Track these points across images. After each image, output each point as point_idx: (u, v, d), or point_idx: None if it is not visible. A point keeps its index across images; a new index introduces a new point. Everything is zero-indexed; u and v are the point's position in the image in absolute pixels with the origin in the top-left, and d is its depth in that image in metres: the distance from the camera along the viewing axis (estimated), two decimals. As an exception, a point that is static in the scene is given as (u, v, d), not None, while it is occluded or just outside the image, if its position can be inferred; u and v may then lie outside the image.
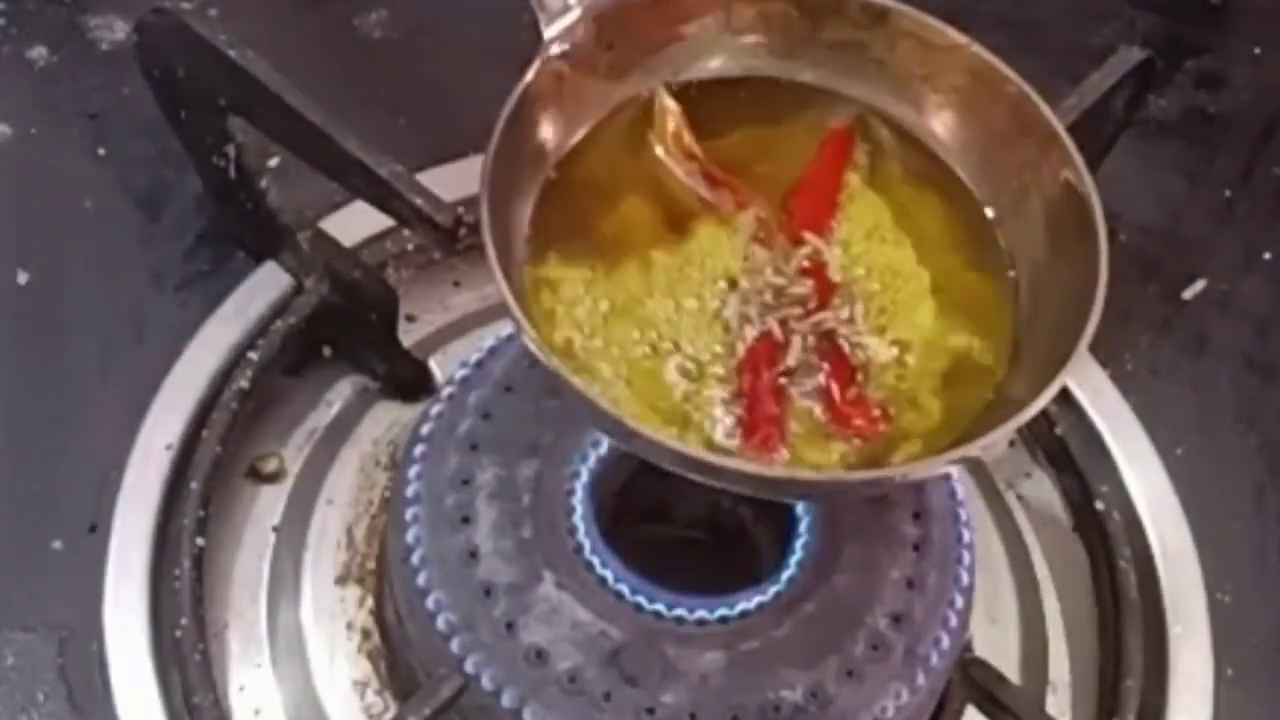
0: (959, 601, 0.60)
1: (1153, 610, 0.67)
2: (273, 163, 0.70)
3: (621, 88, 0.59)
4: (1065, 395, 0.72)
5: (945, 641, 0.59)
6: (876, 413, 0.54)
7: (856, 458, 0.53)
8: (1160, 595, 0.68)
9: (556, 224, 0.56)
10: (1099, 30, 0.85)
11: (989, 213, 0.59)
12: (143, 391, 0.67)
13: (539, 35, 0.55)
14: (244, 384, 0.66)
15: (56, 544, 0.64)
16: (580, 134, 0.58)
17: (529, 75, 0.55)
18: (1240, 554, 0.70)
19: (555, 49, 0.56)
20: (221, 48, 0.63)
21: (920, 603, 0.60)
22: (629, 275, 0.56)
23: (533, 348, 0.50)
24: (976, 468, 0.72)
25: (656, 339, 0.55)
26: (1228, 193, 0.81)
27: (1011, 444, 0.73)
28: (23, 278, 0.71)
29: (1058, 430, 0.70)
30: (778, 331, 0.55)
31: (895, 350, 0.55)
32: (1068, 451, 0.70)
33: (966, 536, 0.62)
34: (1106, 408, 0.72)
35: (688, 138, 0.58)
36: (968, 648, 0.63)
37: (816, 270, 0.57)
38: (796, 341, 0.55)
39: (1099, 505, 0.69)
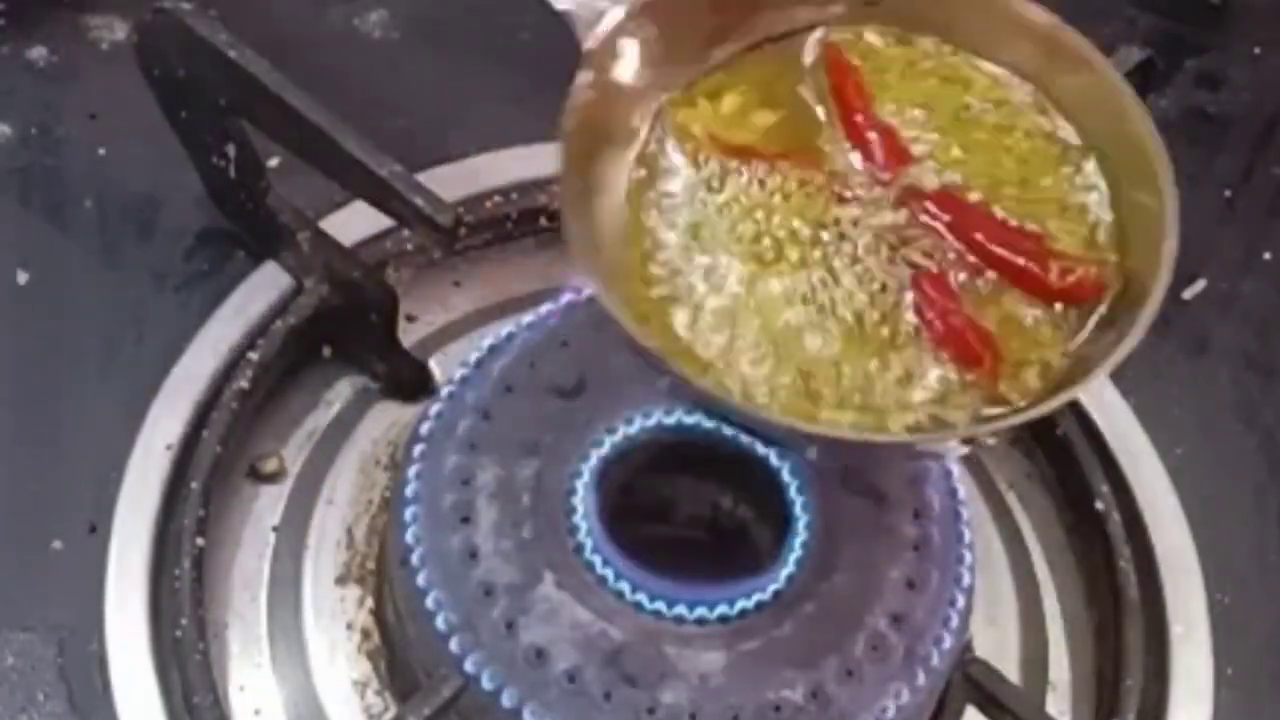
0: (959, 601, 0.60)
1: (1153, 610, 0.67)
2: (273, 163, 0.70)
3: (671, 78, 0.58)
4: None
5: (946, 641, 0.59)
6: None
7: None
8: (1160, 595, 0.68)
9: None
10: (1099, 30, 0.84)
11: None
12: (143, 391, 0.67)
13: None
14: (244, 384, 0.66)
15: (56, 544, 0.64)
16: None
17: (573, 100, 0.55)
18: (1240, 554, 0.70)
19: (597, 56, 0.56)
20: (222, 48, 0.63)
21: (920, 603, 0.60)
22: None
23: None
24: (977, 468, 0.72)
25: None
26: (1228, 193, 0.81)
27: (1012, 445, 0.73)
28: (23, 278, 0.71)
29: (1058, 430, 0.70)
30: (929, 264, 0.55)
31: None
32: (1068, 451, 0.70)
33: (966, 536, 0.62)
34: (1106, 408, 0.72)
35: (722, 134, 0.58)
36: (968, 648, 0.63)
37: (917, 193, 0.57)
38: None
39: (1099, 505, 0.69)
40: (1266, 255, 0.79)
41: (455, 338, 0.73)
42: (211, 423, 0.65)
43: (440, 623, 0.58)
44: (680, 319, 0.54)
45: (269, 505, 0.68)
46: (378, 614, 0.65)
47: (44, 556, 0.64)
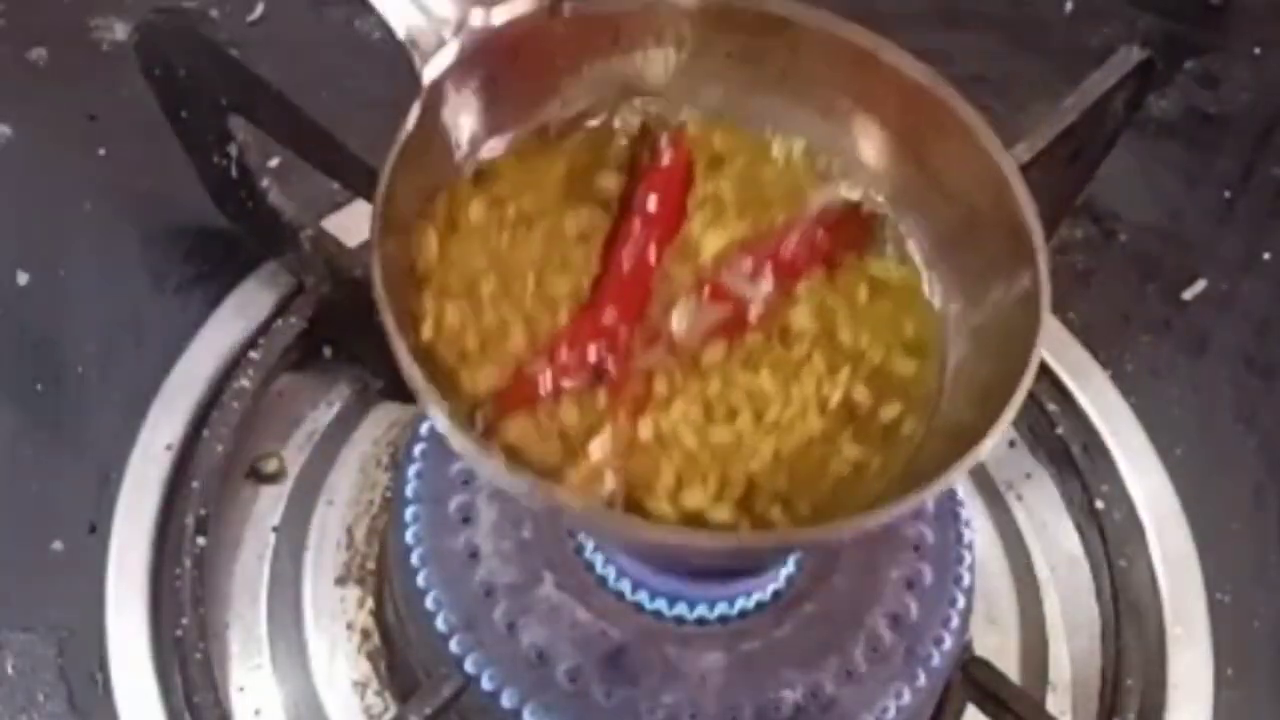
0: (960, 601, 0.60)
1: (1153, 610, 0.67)
2: (274, 162, 0.70)
3: (504, 123, 0.56)
4: (1065, 395, 0.72)
5: (946, 641, 0.59)
6: None
7: None
8: (1160, 595, 0.68)
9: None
10: (1099, 30, 0.85)
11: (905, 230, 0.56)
12: (143, 391, 0.67)
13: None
14: (244, 384, 0.66)
15: (56, 544, 0.64)
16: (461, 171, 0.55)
17: (408, 124, 0.52)
18: (1240, 554, 0.70)
19: (432, 90, 0.53)
20: (223, 47, 0.63)
21: (920, 603, 0.60)
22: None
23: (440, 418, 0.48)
24: (977, 468, 0.72)
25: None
26: (1228, 193, 0.81)
27: (1011, 444, 0.73)
28: (23, 278, 0.71)
29: (1058, 430, 0.70)
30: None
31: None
32: (1068, 452, 0.70)
33: (966, 536, 0.62)
34: (1106, 408, 0.72)
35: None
36: (968, 648, 0.63)
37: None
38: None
39: (1099, 505, 0.69)
40: (1266, 255, 0.79)
41: (455, 338, 0.73)
42: (211, 423, 0.65)
43: (440, 623, 0.58)
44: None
45: (269, 505, 0.68)
46: (378, 614, 0.65)
47: (44, 556, 0.64)
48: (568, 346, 0.52)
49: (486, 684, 0.57)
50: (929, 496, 0.49)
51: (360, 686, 0.64)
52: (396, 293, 0.50)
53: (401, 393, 0.71)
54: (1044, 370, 0.72)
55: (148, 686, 0.61)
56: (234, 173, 0.68)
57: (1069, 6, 0.86)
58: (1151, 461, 0.71)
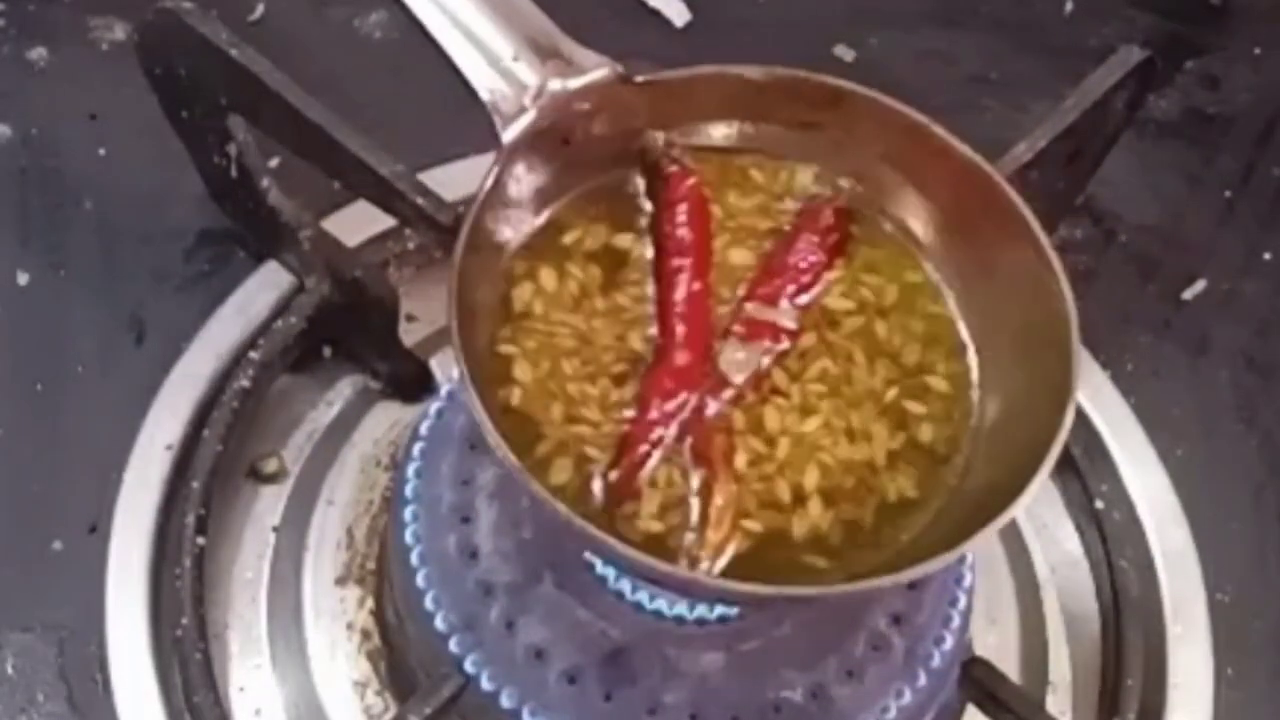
0: (960, 601, 0.60)
1: (1153, 610, 0.67)
2: (274, 162, 0.70)
3: (580, 179, 0.58)
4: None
5: (947, 641, 0.59)
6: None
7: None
8: (1160, 595, 0.68)
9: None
10: (1099, 30, 0.85)
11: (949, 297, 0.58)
12: (143, 391, 0.67)
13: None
14: (244, 384, 0.66)
15: (56, 544, 0.64)
16: (537, 227, 0.57)
17: (487, 182, 0.55)
18: (1240, 554, 0.70)
19: (513, 150, 0.56)
20: (223, 47, 0.63)
21: (921, 602, 0.60)
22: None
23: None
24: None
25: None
26: (1228, 193, 0.81)
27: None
28: (23, 278, 0.71)
29: (1058, 430, 0.70)
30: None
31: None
32: (1068, 452, 0.70)
33: (967, 536, 0.62)
34: (1106, 408, 0.72)
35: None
36: (968, 647, 0.63)
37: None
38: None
39: (1099, 505, 0.69)
40: (1266, 255, 0.79)
41: (455, 338, 0.73)
42: (211, 423, 0.65)
43: (440, 622, 0.58)
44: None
45: (269, 505, 0.68)
46: (378, 614, 0.65)
47: (44, 556, 0.64)
48: (659, 402, 0.53)
49: (486, 684, 0.57)
50: (965, 551, 0.50)
51: (360, 686, 0.64)
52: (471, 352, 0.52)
53: (401, 392, 0.71)
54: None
55: (148, 686, 0.61)
56: (234, 172, 0.68)
57: (1069, 6, 0.86)
58: (1151, 461, 0.71)
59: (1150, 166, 0.81)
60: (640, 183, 0.59)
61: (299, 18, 0.78)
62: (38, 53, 0.78)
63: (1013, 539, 0.71)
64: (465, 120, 0.71)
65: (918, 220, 0.59)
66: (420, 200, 0.61)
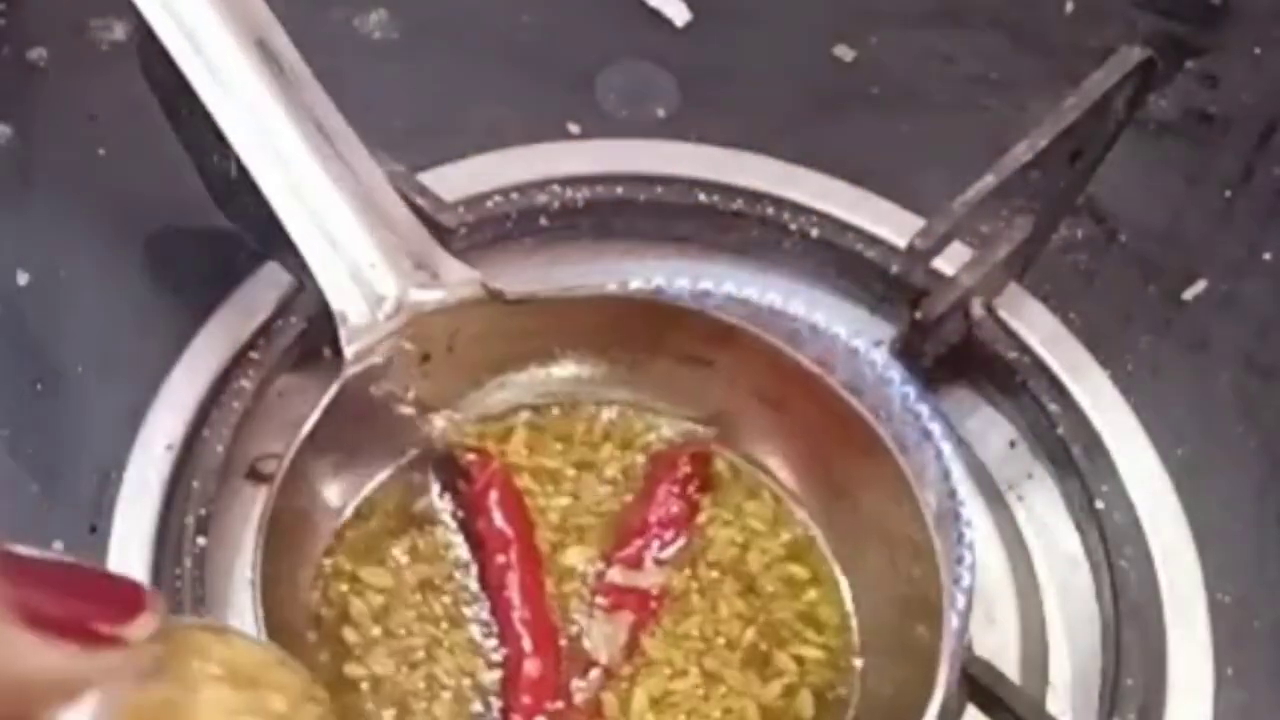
0: (960, 601, 0.60)
1: (1153, 610, 0.67)
2: (273, 163, 0.69)
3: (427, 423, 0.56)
4: (1065, 395, 0.72)
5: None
6: None
7: None
8: (1160, 595, 0.68)
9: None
10: (1099, 30, 0.85)
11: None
12: (143, 391, 0.67)
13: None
14: (245, 384, 0.66)
15: (56, 544, 0.64)
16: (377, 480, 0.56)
17: (324, 400, 0.52)
18: (1240, 554, 0.70)
19: (356, 369, 0.53)
20: (222, 47, 0.63)
21: (920, 603, 0.59)
22: None
23: None
24: (977, 468, 0.72)
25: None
26: (1228, 193, 0.81)
27: (1012, 445, 0.73)
28: (23, 278, 0.71)
29: (1058, 431, 0.70)
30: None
31: None
32: (1068, 452, 0.70)
33: (967, 536, 0.62)
34: (1106, 408, 0.72)
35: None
36: (968, 648, 0.63)
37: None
38: None
39: (1099, 505, 0.69)
40: (1266, 255, 0.79)
41: (455, 338, 0.73)
42: (211, 423, 0.65)
43: (440, 624, 0.58)
44: None
45: (269, 505, 0.68)
46: (378, 614, 0.65)
47: (44, 556, 0.64)
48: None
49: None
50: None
51: (360, 686, 0.64)
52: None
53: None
54: (1044, 370, 0.72)
55: (148, 686, 0.60)
56: (233, 172, 0.68)
57: (1069, 6, 0.86)
58: (1151, 461, 0.71)
59: (1150, 166, 0.81)
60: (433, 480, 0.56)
61: (299, 18, 0.78)
62: (38, 53, 0.78)
63: (1013, 539, 0.71)
64: (465, 120, 0.71)
65: (784, 464, 0.58)
66: (420, 200, 0.61)
